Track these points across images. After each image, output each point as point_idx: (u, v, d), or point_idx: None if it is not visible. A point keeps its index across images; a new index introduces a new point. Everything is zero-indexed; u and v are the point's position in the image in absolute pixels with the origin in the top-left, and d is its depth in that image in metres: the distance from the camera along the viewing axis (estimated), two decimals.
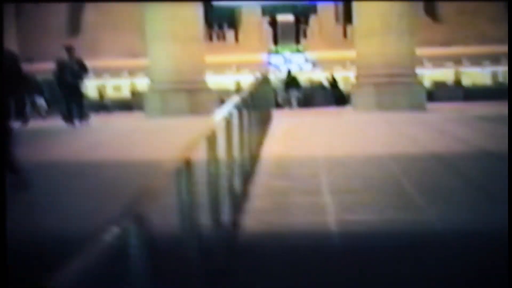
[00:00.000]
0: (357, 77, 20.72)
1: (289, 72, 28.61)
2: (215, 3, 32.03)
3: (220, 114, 6.14)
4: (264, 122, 11.90)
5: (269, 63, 34.45)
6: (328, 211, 6.52)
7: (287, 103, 26.41)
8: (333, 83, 28.79)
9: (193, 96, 19.81)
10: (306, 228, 6.03)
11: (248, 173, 7.97)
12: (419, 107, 19.14)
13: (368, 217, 6.29)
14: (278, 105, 25.35)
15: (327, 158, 9.34)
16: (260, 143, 10.25)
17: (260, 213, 6.59)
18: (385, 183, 7.77)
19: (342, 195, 7.15)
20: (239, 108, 7.86)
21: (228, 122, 6.27)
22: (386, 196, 7.09)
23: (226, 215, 5.47)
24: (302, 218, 6.37)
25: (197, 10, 21.20)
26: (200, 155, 4.33)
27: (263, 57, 35.05)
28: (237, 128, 7.32)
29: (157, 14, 20.38)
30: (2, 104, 5.83)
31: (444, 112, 18.79)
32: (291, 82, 27.31)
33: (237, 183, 6.64)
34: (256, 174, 8.40)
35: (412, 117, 15.90)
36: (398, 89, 19.41)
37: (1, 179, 4.46)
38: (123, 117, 22.32)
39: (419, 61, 21.55)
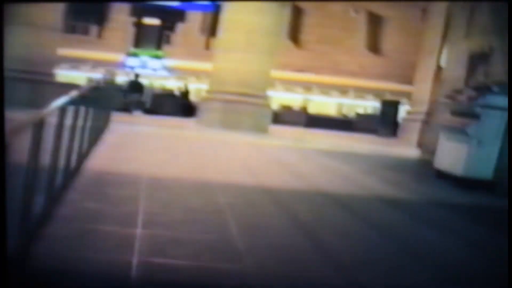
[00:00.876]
0: (208, 91, 19.78)
1: (136, 76, 27.33)
2: None
3: (53, 105, 5.37)
4: (99, 128, 10.69)
5: (125, 65, 32.87)
6: (135, 249, 5.46)
7: (127, 108, 24.93)
8: (185, 93, 27.69)
9: (36, 88, 18.07)
10: (102, 269, 4.94)
11: (60, 187, 6.78)
12: (262, 130, 18.53)
13: (180, 262, 5.29)
14: (123, 110, 24.04)
15: (154, 179, 8.26)
16: (87, 151, 9.04)
17: (57, 242, 5.44)
18: (209, 217, 6.82)
19: (157, 229, 6.12)
20: (75, 103, 6.79)
21: (61, 115, 5.55)
22: (207, 234, 6.13)
23: (14, 238, 4.32)
24: (102, 255, 5.27)
25: None
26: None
27: (121, 57, 33.44)
28: (67, 128, 6.23)
29: None
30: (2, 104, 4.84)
31: (283, 138, 18.38)
32: (133, 86, 25.95)
33: (40, 199, 5.48)
34: (71, 189, 7.21)
35: (251, 140, 15.09)
36: (246, 109, 18.67)
37: (1, 178, 3.87)
38: None
39: (272, 83, 20.90)
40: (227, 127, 17.91)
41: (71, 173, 7.56)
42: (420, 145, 19.07)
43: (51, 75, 19.04)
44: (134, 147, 10.74)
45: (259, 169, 10.03)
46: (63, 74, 36.21)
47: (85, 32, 37.19)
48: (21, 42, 18.14)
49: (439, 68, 19.32)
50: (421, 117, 19.26)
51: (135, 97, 25.02)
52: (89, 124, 9.06)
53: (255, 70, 18.97)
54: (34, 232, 5.43)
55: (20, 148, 4.10)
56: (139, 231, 6.01)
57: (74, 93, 6.88)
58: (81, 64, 36.72)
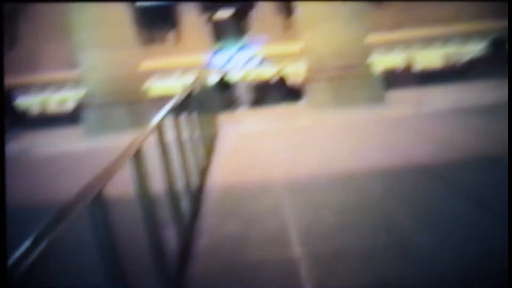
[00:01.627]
0: (308, 71, 18.65)
1: (222, 74, 26.54)
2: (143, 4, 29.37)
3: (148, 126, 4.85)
4: (210, 135, 9.85)
5: (213, 64, 32.16)
6: (303, 276, 4.51)
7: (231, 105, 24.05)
8: (283, 78, 26.66)
9: (133, 108, 17.46)
10: None
11: (189, 214, 5.94)
12: (378, 100, 17.26)
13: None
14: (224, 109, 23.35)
15: (288, 183, 7.28)
16: (206, 164, 8.18)
17: (207, 284, 4.57)
18: (369, 215, 5.78)
19: (317, 243, 5.14)
20: (176, 113, 6.05)
21: (160, 133, 5.00)
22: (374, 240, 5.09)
23: None
24: None
25: (123, 11, 18.84)
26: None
27: (205, 57, 32.75)
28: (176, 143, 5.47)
29: (82, 20, 18.04)
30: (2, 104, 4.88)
31: (406, 104, 17.06)
32: (220, 85, 25.08)
33: (170, 234, 4.67)
34: (201, 214, 6.36)
35: (375, 114, 13.91)
36: (353, 82, 17.46)
37: (1, 176, 3.74)
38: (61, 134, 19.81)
39: (371, 48, 19.53)
40: (339, 104, 16.78)
41: (196, 195, 6.69)
42: None
43: (142, 92, 18.46)
44: (253, 149, 9.80)
45: (406, 147, 8.82)
46: (156, 87, 36.11)
47: (163, 40, 36.86)
48: (102, 65, 17.69)
49: None
50: None
51: (226, 95, 24.21)
52: (198, 133, 8.21)
53: (349, 38, 17.71)
54: (177, 277, 4.58)
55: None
56: (298, 251, 5.04)
57: (171, 104, 6.10)
58: (170, 73, 36.41)
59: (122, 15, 18.61)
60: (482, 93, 19.15)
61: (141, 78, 18.98)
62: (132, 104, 17.54)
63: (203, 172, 7.64)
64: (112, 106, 17.53)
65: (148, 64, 33.71)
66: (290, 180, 7.21)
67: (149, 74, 36.20)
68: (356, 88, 17.35)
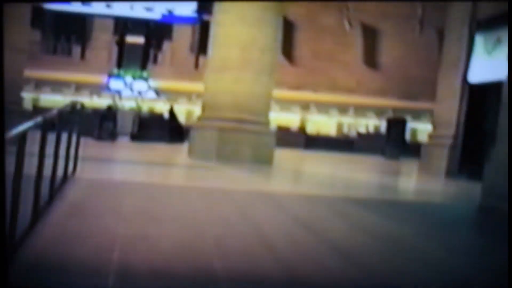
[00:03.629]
0: (201, 117, 16.21)
1: (112, 102, 23.81)
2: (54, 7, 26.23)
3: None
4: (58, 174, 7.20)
5: (108, 87, 29.22)
6: None
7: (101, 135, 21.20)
8: (171, 116, 24.07)
9: None
10: None
11: None
12: (266, 161, 15.01)
13: None
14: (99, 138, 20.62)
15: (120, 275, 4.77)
16: (31, 222, 5.51)
17: None
18: None
19: None
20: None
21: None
22: None
23: None
24: None
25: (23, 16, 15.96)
26: None
27: (104, 79, 29.81)
28: None
29: None
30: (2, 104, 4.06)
31: (288, 175, 14.97)
32: (108, 113, 22.32)
33: None
34: None
35: (256, 184, 11.52)
36: (246, 138, 15.13)
37: (1, 176, 3.31)
38: None
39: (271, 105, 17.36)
40: (224, 160, 14.43)
41: None
42: (447, 173, 15.65)
43: (17, 102, 15.39)
44: (101, 211, 7.07)
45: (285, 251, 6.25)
46: (45, 99, 32.82)
47: (68, 52, 33.76)
48: None
49: (465, 84, 15.91)
50: (449, 141, 15.81)
51: (109, 126, 21.44)
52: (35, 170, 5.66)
53: (254, 91, 15.47)
54: None
55: None
56: None
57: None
58: (64, 87, 33.27)
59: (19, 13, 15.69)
60: (372, 174, 17.37)
61: (18, 87, 15.97)
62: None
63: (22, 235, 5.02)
64: None
65: (45, 73, 30.57)
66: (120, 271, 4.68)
67: (46, 83, 33.06)
68: (247, 145, 15.05)
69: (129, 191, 8.26)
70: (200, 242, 5.63)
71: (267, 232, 6.27)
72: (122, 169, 12.15)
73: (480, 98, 15.45)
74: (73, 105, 8.20)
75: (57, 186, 7.24)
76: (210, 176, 11.58)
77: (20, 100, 15.54)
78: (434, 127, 17.43)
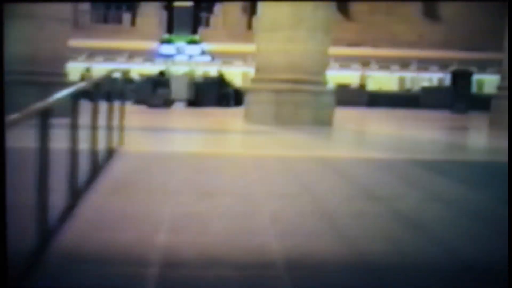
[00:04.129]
0: (255, 80, 15.65)
1: (161, 72, 23.37)
2: None
3: None
4: (103, 150, 6.82)
5: (160, 53, 28.80)
6: None
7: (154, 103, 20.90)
8: (221, 81, 23.56)
9: (44, 91, 14.09)
10: None
11: None
12: (325, 123, 14.39)
13: None
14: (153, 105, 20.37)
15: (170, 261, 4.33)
16: (70, 204, 5.13)
17: None
18: None
19: None
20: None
21: None
22: None
23: None
24: None
25: None
26: None
27: (156, 45, 29.46)
28: None
29: None
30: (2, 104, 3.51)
31: (351, 133, 14.29)
32: (159, 80, 21.99)
33: None
34: None
35: (317, 150, 10.89)
36: (303, 99, 14.52)
37: (1, 178, 3.07)
38: None
39: (329, 64, 16.66)
40: (282, 123, 13.88)
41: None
42: None
43: (61, 74, 15.05)
44: (148, 187, 6.63)
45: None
46: (98, 68, 32.79)
47: (119, 20, 33.53)
48: (22, 38, 14.28)
49: None
50: None
51: (161, 93, 21.11)
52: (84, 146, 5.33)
53: (308, 50, 14.77)
54: None
55: None
56: None
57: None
58: (117, 56, 33.15)
59: None
60: (451, 133, 16.52)
61: (63, 59, 15.61)
62: (44, 86, 14.18)
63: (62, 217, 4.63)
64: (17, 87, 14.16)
65: (98, 43, 30.49)
66: (170, 258, 4.22)
67: (100, 52, 33.00)
68: (304, 107, 14.45)
69: (180, 163, 7.82)
70: (256, 219, 5.13)
71: (329, 205, 5.73)
72: (175, 139, 11.73)
73: None
74: (108, 75, 7.78)
75: (102, 161, 6.85)
76: (267, 142, 11.05)
77: (63, 71, 15.21)
78: (503, 77, 16.43)
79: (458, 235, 4.83)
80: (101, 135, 6.64)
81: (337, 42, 24.84)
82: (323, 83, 15.30)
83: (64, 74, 15.16)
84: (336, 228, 4.90)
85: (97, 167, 6.44)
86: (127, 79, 27.00)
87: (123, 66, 30.07)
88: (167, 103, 21.11)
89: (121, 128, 8.61)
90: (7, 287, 2.82)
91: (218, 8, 33.10)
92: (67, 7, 15.78)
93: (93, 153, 6.27)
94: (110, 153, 7.55)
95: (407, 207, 5.68)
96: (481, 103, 19.62)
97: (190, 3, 31.25)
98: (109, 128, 7.49)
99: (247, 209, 5.44)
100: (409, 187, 6.74)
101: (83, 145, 5.54)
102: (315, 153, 9.64)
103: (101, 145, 6.77)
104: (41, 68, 14.41)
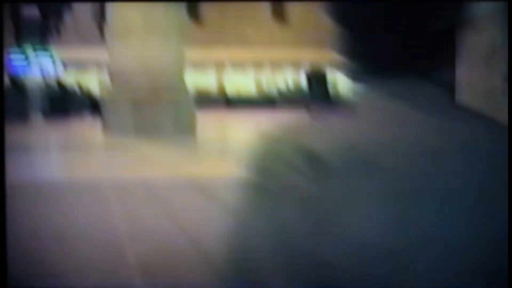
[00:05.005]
0: (113, 91, 14.35)
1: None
2: None
3: None
4: None
5: (12, 66, 26.40)
6: None
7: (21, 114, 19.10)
8: (62, 89, 22.02)
9: None
10: None
11: None
12: (189, 131, 13.39)
13: None
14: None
15: None
16: None
17: None
18: None
19: None
20: None
21: None
22: None
23: None
24: None
25: None
26: None
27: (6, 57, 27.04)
28: None
29: None
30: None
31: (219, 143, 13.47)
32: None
33: None
34: None
35: (181, 164, 9.89)
36: (164, 108, 13.45)
37: (1, 179, 3.13)
38: None
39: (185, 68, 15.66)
40: (143, 134, 12.69)
41: None
42: None
43: None
44: None
45: None
46: None
47: None
48: None
49: None
50: None
51: (19, 104, 19.28)
52: None
53: (166, 56, 13.77)
54: None
55: None
56: None
57: None
58: None
59: None
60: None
61: None
62: None
63: None
64: None
65: None
66: None
67: None
68: (166, 116, 13.41)
69: (23, 195, 6.56)
70: (122, 266, 4.11)
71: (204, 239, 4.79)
72: (21, 162, 10.28)
73: None
74: None
75: None
76: (127, 160, 9.91)
77: None
78: None
79: None
80: None
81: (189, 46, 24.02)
82: (184, 90, 14.33)
83: None
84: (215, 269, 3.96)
85: None
86: None
87: None
88: (22, 116, 19.26)
89: None
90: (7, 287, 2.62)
91: (67, 15, 31.20)
92: None
93: None
94: None
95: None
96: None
97: (37, 12, 29.02)
98: None
99: (109, 258, 4.39)
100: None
101: None
102: (182, 171, 8.64)
103: None
104: None
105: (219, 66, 30.97)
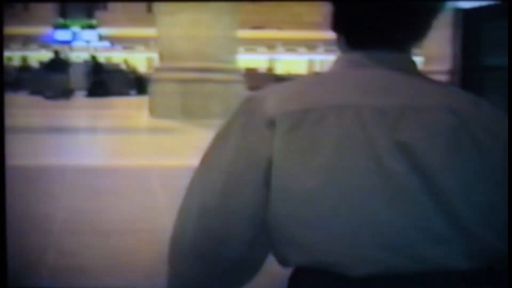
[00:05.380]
0: (159, 69, 14.06)
1: (56, 52, 21.09)
2: None
3: None
4: None
5: (53, 39, 26.48)
6: None
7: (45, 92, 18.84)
8: (129, 66, 21.80)
9: None
10: None
11: None
12: None
13: None
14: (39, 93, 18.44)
15: None
16: None
17: None
18: None
19: None
20: None
21: None
22: None
23: None
24: None
25: None
26: None
27: (49, 30, 27.14)
28: None
29: None
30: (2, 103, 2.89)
31: None
32: (54, 64, 19.91)
33: None
34: None
35: None
36: (212, 89, 13.05)
37: (1, 178, 2.68)
38: None
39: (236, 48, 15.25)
40: (190, 117, 12.34)
41: None
42: None
43: None
44: (21, 229, 4.98)
45: None
46: None
47: (10, 4, 30.87)
48: None
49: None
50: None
51: (57, 78, 19.00)
52: None
53: (215, 34, 13.35)
54: None
55: None
56: None
57: None
58: (10, 42, 30.53)
59: None
60: None
61: None
62: None
63: None
64: None
65: None
66: None
67: None
68: (214, 98, 12.99)
69: (70, 183, 6.23)
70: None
71: None
72: (67, 144, 9.98)
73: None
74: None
75: None
76: (174, 145, 9.53)
77: None
78: None
79: None
80: None
81: (241, 25, 23.54)
82: (234, 70, 13.91)
83: None
84: None
85: None
86: (23, 67, 24.70)
87: (18, 53, 27.73)
88: (66, 93, 19.11)
89: None
90: (7, 287, 2.63)
91: None
92: None
93: None
94: None
95: None
96: None
97: None
98: None
99: (163, 256, 3.95)
100: None
101: None
102: None
103: None
104: None
105: (271, 47, 30.49)
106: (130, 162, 7.57)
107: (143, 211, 5.18)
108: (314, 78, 1.21)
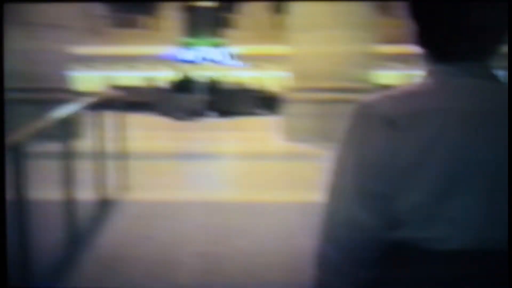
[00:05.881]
0: (292, 89, 13.46)
1: (184, 72, 21.00)
2: None
3: None
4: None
5: (181, 59, 26.57)
6: None
7: (176, 113, 18.68)
8: (259, 85, 21.41)
9: (43, 110, 11.94)
10: None
11: None
12: None
13: None
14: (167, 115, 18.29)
15: None
16: None
17: None
18: None
19: None
20: None
21: None
22: None
23: None
24: None
25: None
26: None
27: (173, 50, 27.25)
28: None
29: None
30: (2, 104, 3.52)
31: None
32: (182, 85, 19.78)
33: None
34: None
35: None
36: (348, 110, 12.23)
37: (1, 179, 3.05)
38: None
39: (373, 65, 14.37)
40: (326, 140, 11.57)
41: None
42: None
43: (62, 89, 12.86)
44: (147, 273, 4.37)
45: None
46: (116, 76, 30.87)
47: (137, 25, 31.57)
48: (16, 49, 12.09)
49: None
50: None
51: (186, 99, 18.84)
52: None
53: (351, 52, 12.64)
54: None
55: None
56: None
57: None
58: (137, 62, 31.20)
59: None
60: None
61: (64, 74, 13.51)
62: (43, 104, 12.08)
63: None
64: (13, 106, 12.05)
65: (113, 49, 28.63)
66: None
67: (115, 59, 31.12)
68: None
69: (199, 223, 5.63)
70: None
71: None
72: (197, 174, 9.45)
73: None
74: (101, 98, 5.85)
75: (89, 221, 4.74)
76: (317, 175, 8.74)
77: (64, 85, 13.14)
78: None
79: None
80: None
81: (382, 40, 22.58)
82: (370, 90, 13.09)
83: (65, 89, 13.04)
84: None
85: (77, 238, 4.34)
86: (152, 88, 24.99)
87: (146, 74, 28.16)
88: (195, 114, 18.95)
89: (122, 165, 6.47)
90: (7, 287, 2.71)
91: (242, 7, 30.97)
92: (71, 13, 13.74)
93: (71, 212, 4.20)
94: (104, 206, 5.44)
95: None
96: None
97: (212, 3, 29.04)
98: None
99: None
100: None
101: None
102: None
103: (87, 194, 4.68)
104: (37, 84, 12.35)
105: (408, 62, 29.29)
106: (265, 196, 6.89)
107: (284, 258, 4.49)
108: (418, 86, 1.53)
